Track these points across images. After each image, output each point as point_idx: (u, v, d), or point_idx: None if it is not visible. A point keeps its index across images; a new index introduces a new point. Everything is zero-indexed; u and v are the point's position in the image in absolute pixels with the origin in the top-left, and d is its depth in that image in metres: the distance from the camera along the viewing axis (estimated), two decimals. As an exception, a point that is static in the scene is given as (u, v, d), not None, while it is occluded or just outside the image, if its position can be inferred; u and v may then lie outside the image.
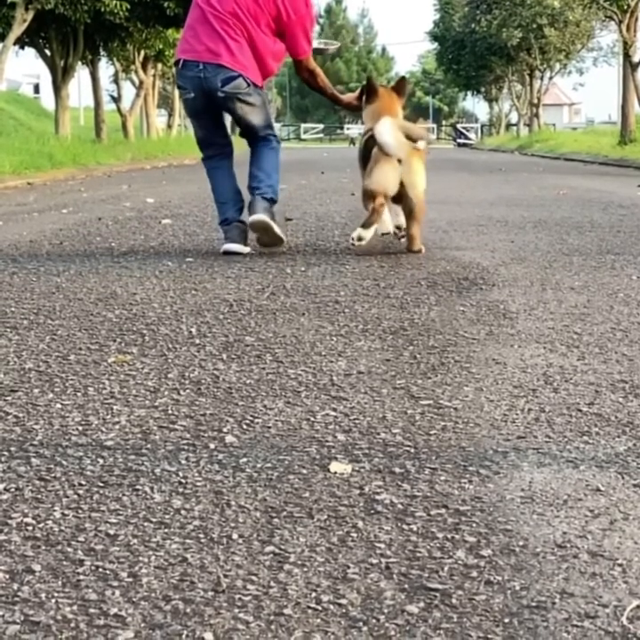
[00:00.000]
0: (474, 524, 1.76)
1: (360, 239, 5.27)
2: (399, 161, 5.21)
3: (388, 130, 5.22)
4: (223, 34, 5.46)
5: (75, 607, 1.46)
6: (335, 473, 2.01)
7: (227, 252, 5.46)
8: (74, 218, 7.92)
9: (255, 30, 5.48)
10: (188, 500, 1.87)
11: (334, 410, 2.46)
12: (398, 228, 5.64)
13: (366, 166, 5.39)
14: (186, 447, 2.17)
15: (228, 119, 6.11)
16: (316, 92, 5.89)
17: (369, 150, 5.37)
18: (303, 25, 5.57)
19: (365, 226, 5.27)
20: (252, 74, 5.52)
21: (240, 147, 6.02)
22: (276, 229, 5.46)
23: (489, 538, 1.70)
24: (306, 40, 5.62)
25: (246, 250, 5.50)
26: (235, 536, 1.71)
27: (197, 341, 3.23)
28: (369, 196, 5.32)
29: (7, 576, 1.56)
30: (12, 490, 1.92)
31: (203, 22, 5.51)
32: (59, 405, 2.50)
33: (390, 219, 5.59)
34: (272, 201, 5.54)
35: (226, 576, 1.56)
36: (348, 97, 5.93)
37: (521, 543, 1.68)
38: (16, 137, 20.47)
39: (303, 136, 63.76)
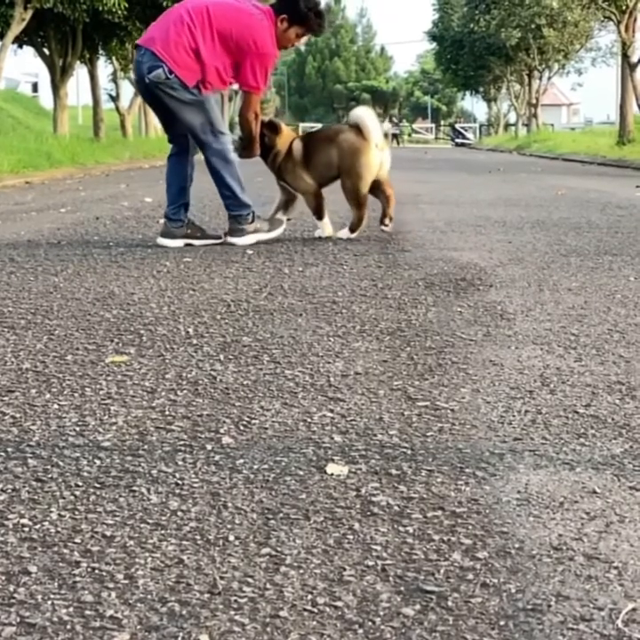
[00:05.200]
0: (470, 527, 1.76)
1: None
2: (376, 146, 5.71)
3: (369, 114, 5.76)
4: (171, 26, 5.56)
5: (71, 609, 1.46)
6: (332, 474, 2.02)
7: (159, 245, 5.85)
8: (72, 217, 7.91)
9: (209, 42, 5.54)
10: (184, 501, 1.87)
11: (331, 411, 2.46)
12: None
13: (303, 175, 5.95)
14: (183, 448, 2.17)
15: None
16: (246, 134, 5.94)
17: (308, 156, 5.90)
18: (262, 60, 5.62)
19: (354, 229, 6.04)
20: (183, 71, 5.56)
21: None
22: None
23: (485, 540, 1.70)
24: (262, 76, 5.65)
25: (174, 243, 5.80)
26: (231, 538, 1.71)
27: (195, 342, 3.23)
28: (364, 197, 5.86)
29: (3, 577, 1.56)
30: (9, 491, 1.92)
31: (167, 13, 5.70)
32: (56, 406, 2.50)
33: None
34: (238, 217, 5.88)
35: (222, 578, 1.56)
36: (257, 148, 6.06)
37: (517, 546, 1.68)
38: (14, 136, 20.43)
39: (302, 135, 63.66)
